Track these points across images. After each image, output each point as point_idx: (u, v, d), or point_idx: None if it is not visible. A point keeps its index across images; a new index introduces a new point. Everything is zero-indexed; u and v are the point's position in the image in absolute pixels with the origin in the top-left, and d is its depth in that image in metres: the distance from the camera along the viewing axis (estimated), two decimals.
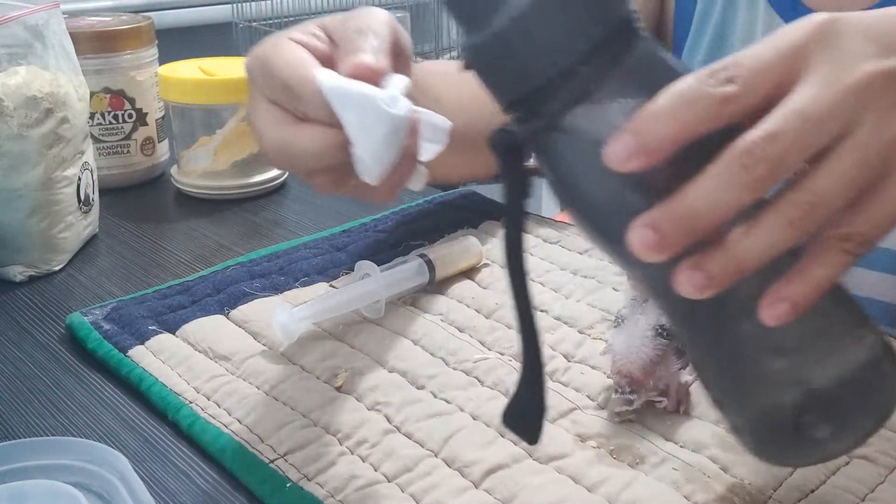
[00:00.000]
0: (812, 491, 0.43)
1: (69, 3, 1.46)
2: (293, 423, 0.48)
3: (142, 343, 0.56)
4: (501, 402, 0.50)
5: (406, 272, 0.61)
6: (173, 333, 0.58)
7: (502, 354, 0.55)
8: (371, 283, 0.59)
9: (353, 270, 0.61)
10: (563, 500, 0.43)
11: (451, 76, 0.67)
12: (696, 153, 0.31)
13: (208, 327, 0.58)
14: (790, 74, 0.32)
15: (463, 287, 0.63)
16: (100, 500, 0.42)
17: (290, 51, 0.45)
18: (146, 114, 0.86)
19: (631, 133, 0.31)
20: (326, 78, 0.42)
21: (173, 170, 0.86)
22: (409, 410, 0.49)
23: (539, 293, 0.62)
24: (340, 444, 0.47)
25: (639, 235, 0.31)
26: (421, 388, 0.52)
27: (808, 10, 0.67)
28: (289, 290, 0.63)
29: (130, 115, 0.85)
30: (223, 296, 0.62)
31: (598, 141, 0.31)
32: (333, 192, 0.47)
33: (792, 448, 0.37)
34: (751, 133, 0.30)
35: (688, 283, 0.31)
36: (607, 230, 0.33)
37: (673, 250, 0.31)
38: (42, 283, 0.68)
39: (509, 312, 0.59)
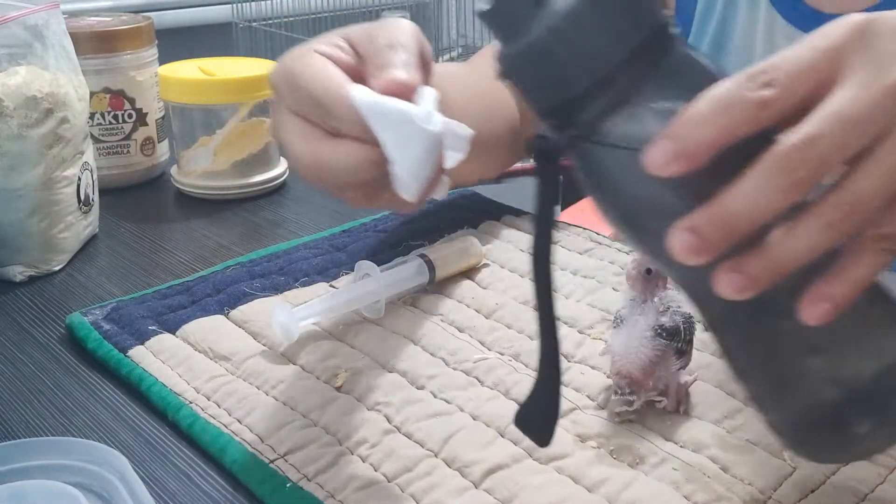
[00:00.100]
0: (812, 491, 0.43)
1: (69, 3, 1.46)
2: (293, 423, 0.48)
3: (142, 343, 0.56)
4: (501, 402, 0.50)
5: (406, 272, 0.61)
6: (173, 333, 0.58)
7: (502, 354, 0.55)
8: (371, 283, 0.59)
9: (353, 270, 0.61)
10: (563, 500, 0.43)
11: (455, 79, 0.67)
12: (733, 156, 0.31)
13: (208, 327, 0.58)
14: (828, 76, 0.32)
15: (463, 287, 0.63)
16: (100, 500, 0.42)
17: (319, 65, 0.44)
18: (146, 114, 0.86)
19: (671, 138, 0.31)
20: (361, 95, 0.41)
21: (173, 170, 0.86)
22: (409, 410, 0.49)
23: None
24: (340, 444, 0.47)
25: (679, 239, 0.31)
26: (421, 388, 0.52)
27: (809, 10, 0.67)
28: (289, 290, 0.63)
29: (130, 115, 0.85)
30: (223, 296, 0.62)
31: (636, 147, 0.31)
32: (365, 205, 0.46)
33: (832, 445, 0.37)
34: (790, 136, 0.30)
35: (727, 285, 0.31)
36: (646, 234, 0.33)
37: (713, 253, 0.31)
38: (42, 283, 0.68)
39: (509, 312, 0.59)
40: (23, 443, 0.44)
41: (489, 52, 0.78)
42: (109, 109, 0.84)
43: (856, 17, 0.33)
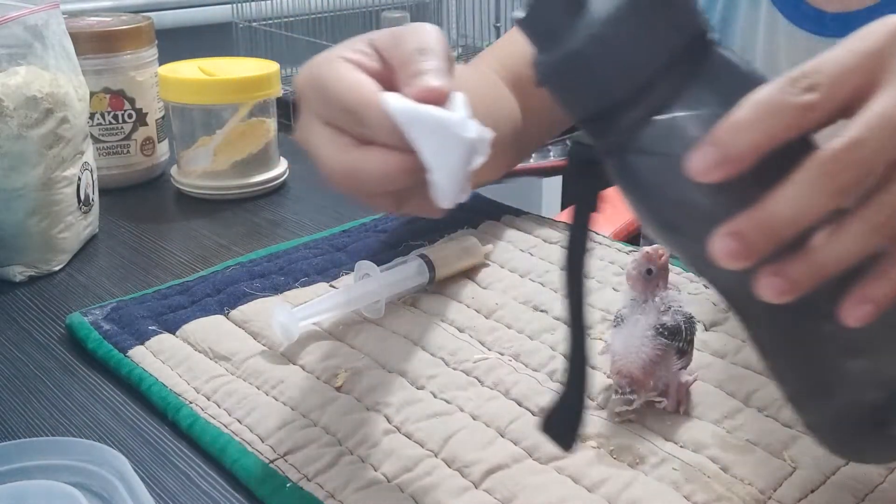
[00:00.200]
0: (812, 491, 0.43)
1: (69, 3, 1.46)
2: (293, 423, 0.48)
3: (142, 343, 0.56)
4: (501, 402, 0.50)
5: (406, 272, 0.61)
6: (173, 333, 0.58)
7: (502, 354, 0.55)
8: (371, 283, 0.59)
9: (353, 270, 0.61)
10: (563, 500, 0.43)
11: (459, 81, 0.66)
12: (774, 160, 0.31)
13: (208, 327, 0.58)
14: (869, 79, 0.32)
15: (463, 287, 0.63)
16: (100, 500, 0.42)
17: (349, 73, 0.43)
18: (146, 114, 0.86)
19: (714, 144, 0.31)
20: (395, 103, 0.41)
21: (173, 170, 0.86)
22: (409, 410, 0.49)
23: (539, 293, 0.62)
24: (340, 444, 0.47)
25: (722, 244, 0.31)
26: (421, 388, 0.52)
27: (811, 9, 0.67)
28: (289, 290, 0.63)
29: (130, 116, 0.85)
30: (223, 296, 0.62)
31: (678, 153, 0.31)
32: (394, 211, 0.46)
33: (872, 445, 0.37)
34: (836, 140, 0.30)
35: (770, 289, 0.31)
36: (686, 238, 0.33)
37: (756, 258, 0.31)
38: (42, 283, 0.68)
39: (509, 312, 0.60)
40: (23, 443, 0.44)
41: (489, 54, 0.78)
42: (109, 109, 0.84)
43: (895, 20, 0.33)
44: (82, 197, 0.72)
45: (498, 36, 1.91)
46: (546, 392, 0.51)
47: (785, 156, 0.31)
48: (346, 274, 0.65)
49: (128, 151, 0.86)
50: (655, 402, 0.49)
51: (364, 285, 0.59)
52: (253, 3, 1.83)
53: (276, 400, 0.51)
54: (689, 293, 0.61)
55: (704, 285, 0.62)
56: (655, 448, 0.46)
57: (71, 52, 0.71)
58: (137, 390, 0.53)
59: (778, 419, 0.48)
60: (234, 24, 1.82)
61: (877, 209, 0.31)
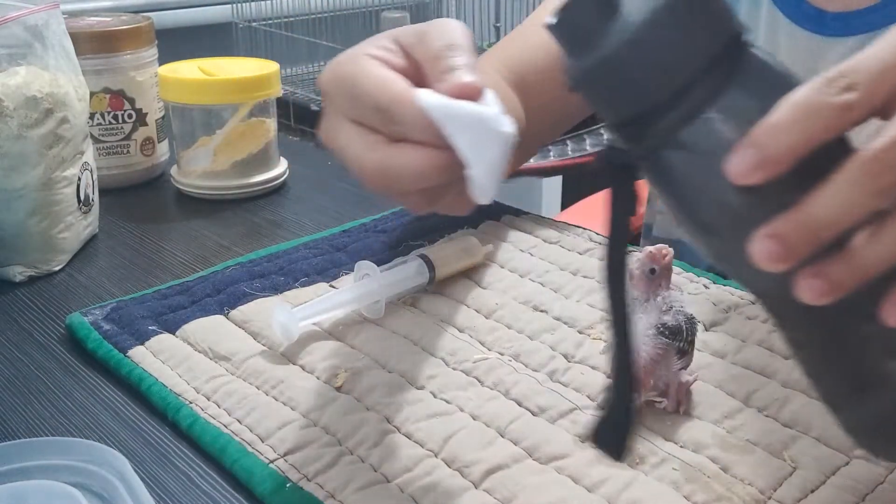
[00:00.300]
0: (812, 491, 0.43)
1: (69, 3, 1.46)
2: (293, 423, 0.48)
3: (142, 343, 0.56)
4: (501, 402, 0.50)
5: (406, 272, 0.61)
6: (173, 334, 0.58)
7: (502, 354, 0.55)
8: (371, 283, 0.59)
9: (353, 270, 0.61)
10: (563, 500, 0.43)
11: None
12: (812, 160, 0.31)
13: (208, 327, 0.58)
14: None
15: (463, 287, 0.63)
16: (100, 500, 0.42)
17: (377, 70, 0.43)
18: (146, 114, 0.86)
19: (753, 146, 0.30)
20: (430, 99, 0.41)
21: (173, 170, 0.86)
22: (409, 410, 0.49)
23: (539, 293, 0.62)
24: (340, 444, 0.47)
25: (762, 247, 0.31)
26: (421, 388, 0.52)
27: (812, 8, 0.67)
28: (289, 290, 0.63)
29: (130, 116, 0.85)
30: (223, 296, 0.62)
31: (715, 156, 0.31)
32: (427, 209, 0.46)
33: None
34: (877, 140, 0.30)
35: (810, 291, 0.31)
36: (724, 241, 0.33)
37: (797, 260, 0.31)
38: (42, 283, 0.68)
39: (509, 312, 0.60)
40: (23, 443, 0.44)
41: (491, 55, 0.78)
42: (109, 109, 0.84)
43: None
44: (82, 197, 0.72)
45: (498, 36, 1.91)
46: (546, 392, 0.51)
47: (822, 156, 0.31)
48: (346, 274, 0.65)
49: (128, 151, 0.86)
50: (655, 402, 0.49)
51: (364, 285, 0.59)
52: (253, 3, 1.83)
53: (276, 400, 0.51)
54: (690, 293, 0.61)
55: (705, 286, 0.62)
56: (655, 448, 0.46)
57: (71, 52, 0.71)
58: (137, 390, 0.53)
59: (778, 419, 0.48)
60: (234, 24, 1.82)
61: None
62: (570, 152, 1.59)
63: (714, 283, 0.63)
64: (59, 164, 0.68)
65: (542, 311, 0.60)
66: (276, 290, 0.63)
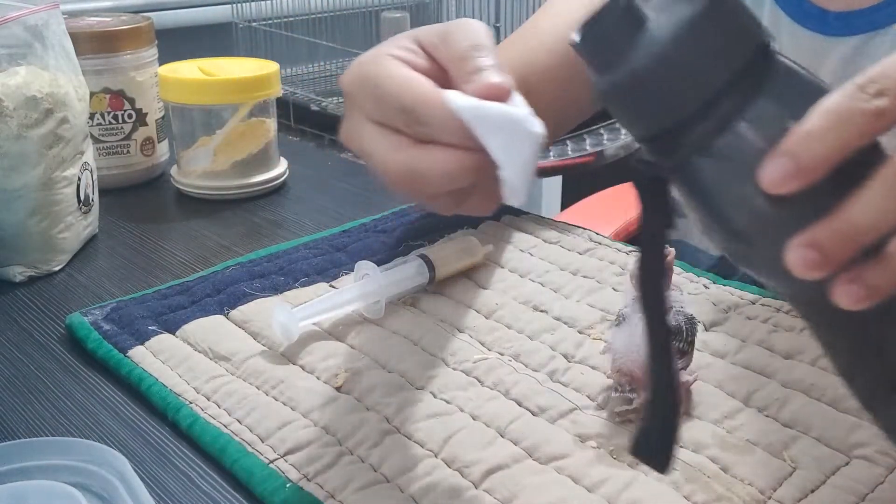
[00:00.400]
0: (812, 491, 0.43)
1: (69, 3, 1.46)
2: (293, 423, 0.48)
3: (141, 343, 0.56)
4: (501, 402, 0.50)
5: (406, 272, 0.61)
6: (173, 334, 0.58)
7: (502, 354, 0.55)
8: (371, 283, 0.59)
9: (353, 270, 0.61)
10: (563, 500, 0.43)
11: None
12: (845, 166, 0.30)
13: (208, 327, 0.58)
14: None
15: (463, 287, 0.63)
16: (100, 500, 0.42)
17: (401, 71, 0.42)
18: (146, 114, 0.86)
19: (786, 155, 0.30)
20: (459, 100, 0.40)
21: (173, 170, 0.86)
22: (409, 411, 0.49)
23: (539, 293, 0.62)
24: (340, 444, 0.47)
25: (799, 255, 0.31)
26: (421, 388, 0.52)
27: (815, 8, 0.67)
28: (289, 290, 0.63)
29: (130, 116, 0.85)
30: (223, 296, 0.62)
31: (747, 165, 0.31)
32: (451, 211, 0.45)
33: None
34: None
35: (847, 296, 0.31)
36: (758, 249, 0.33)
37: (834, 267, 0.31)
38: (42, 283, 0.68)
39: (509, 312, 0.60)
40: (23, 443, 0.44)
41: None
42: (109, 109, 0.84)
43: None
44: (82, 197, 0.72)
45: (498, 36, 1.91)
46: (546, 392, 0.51)
47: (855, 162, 0.30)
48: (346, 274, 0.65)
49: (128, 151, 0.86)
50: None
51: (364, 285, 0.59)
52: (253, 3, 1.83)
53: (276, 400, 0.51)
54: (690, 293, 0.61)
55: (705, 286, 0.62)
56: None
57: (71, 52, 0.71)
58: (137, 390, 0.53)
59: (778, 419, 0.48)
60: (234, 24, 1.82)
61: None
62: (570, 152, 1.59)
63: (714, 283, 0.63)
64: (59, 164, 0.68)
65: (542, 311, 0.60)
66: (276, 290, 0.63)
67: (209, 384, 0.52)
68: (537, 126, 0.40)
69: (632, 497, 0.43)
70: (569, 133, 1.54)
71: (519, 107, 0.41)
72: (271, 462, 0.46)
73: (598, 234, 0.71)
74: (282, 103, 0.88)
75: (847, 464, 0.45)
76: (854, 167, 0.30)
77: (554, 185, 1.92)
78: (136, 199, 0.85)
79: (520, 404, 0.50)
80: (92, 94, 0.76)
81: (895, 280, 0.31)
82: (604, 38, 0.33)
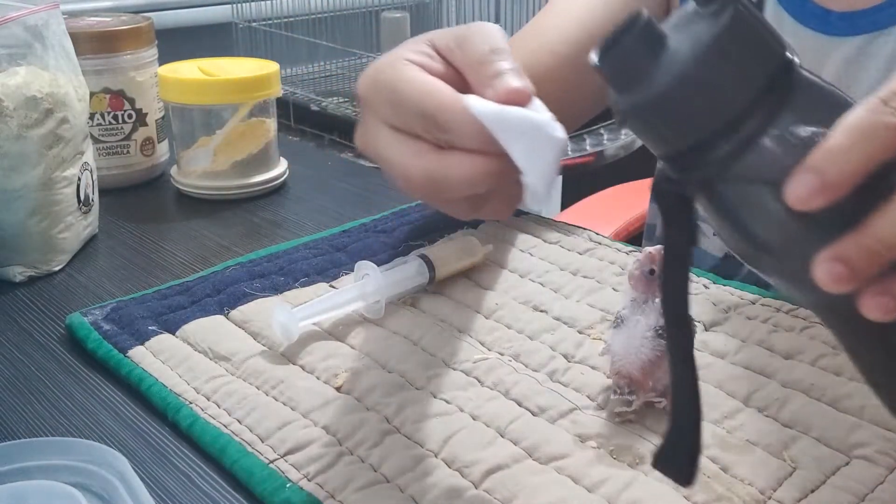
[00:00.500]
0: (812, 491, 0.43)
1: (69, 3, 1.46)
2: (293, 423, 0.48)
3: (141, 343, 0.56)
4: (501, 402, 0.50)
5: (406, 272, 0.61)
6: (173, 334, 0.58)
7: (502, 354, 0.55)
8: (371, 283, 0.59)
9: (353, 270, 0.61)
10: (563, 500, 0.43)
11: None
12: (872, 180, 0.30)
13: (208, 327, 0.58)
14: None
15: (463, 287, 0.63)
16: (100, 500, 0.42)
17: (421, 77, 0.42)
18: (146, 114, 0.86)
19: (811, 172, 0.30)
20: (480, 106, 0.40)
21: (173, 170, 0.86)
22: (409, 410, 0.49)
23: (539, 293, 0.62)
24: (340, 444, 0.47)
25: (826, 269, 0.30)
26: (421, 388, 0.52)
27: (818, 8, 0.67)
28: (289, 290, 0.63)
29: (130, 116, 0.85)
30: (223, 296, 0.62)
31: (772, 181, 0.31)
32: (471, 216, 0.45)
33: None
34: None
35: (876, 309, 0.31)
36: (784, 263, 0.33)
37: (861, 281, 0.31)
38: (42, 283, 0.68)
39: (509, 312, 0.60)
40: (23, 443, 0.44)
41: None
42: (109, 110, 0.84)
43: None
44: (82, 197, 0.72)
45: None
46: (546, 392, 0.51)
47: (881, 175, 0.30)
48: (346, 274, 0.65)
49: (128, 152, 0.86)
50: (655, 402, 0.49)
51: (364, 285, 0.59)
52: (253, 3, 1.83)
53: (276, 400, 0.51)
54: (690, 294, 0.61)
55: (705, 286, 0.62)
56: (655, 448, 0.46)
57: (71, 53, 0.71)
58: (137, 390, 0.53)
59: (778, 419, 0.48)
60: (234, 24, 1.82)
61: None
62: (570, 152, 1.59)
63: (714, 283, 0.63)
64: (59, 165, 0.68)
65: (542, 311, 0.60)
66: (276, 290, 0.63)
67: (209, 384, 0.52)
68: (559, 131, 0.40)
69: (632, 497, 0.43)
70: (569, 134, 1.54)
71: (540, 111, 0.40)
72: (271, 462, 0.46)
73: (598, 234, 0.71)
74: (282, 103, 0.88)
75: (847, 464, 0.45)
76: (880, 180, 0.30)
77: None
78: (136, 199, 0.85)
79: (520, 404, 0.50)
80: (92, 94, 0.76)
81: None
82: (624, 58, 0.33)
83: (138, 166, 0.87)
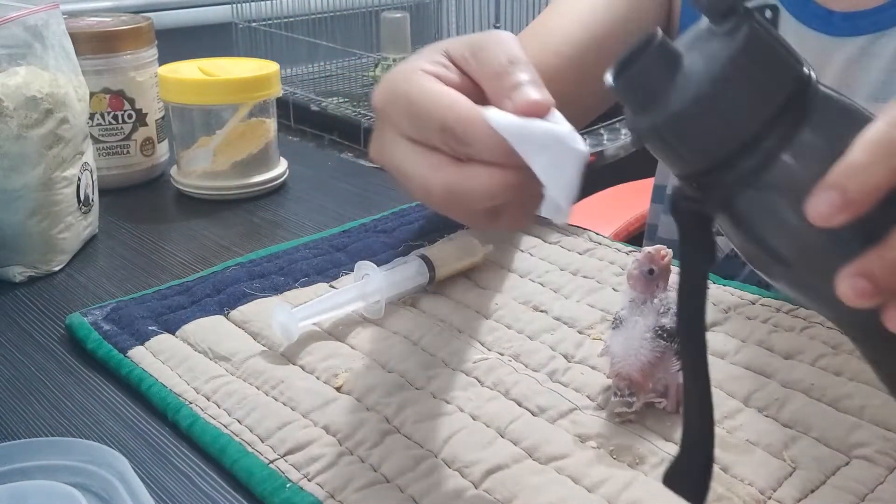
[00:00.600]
0: (812, 491, 0.43)
1: (69, 3, 1.46)
2: (293, 423, 0.48)
3: (141, 343, 0.56)
4: (501, 402, 0.50)
5: (406, 272, 0.61)
6: (173, 334, 0.58)
7: (502, 354, 0.55)
8: (371, 283, 0.59)
9: (353, 270, 0.61)
10: (563, 500, 0.43)
11: None
12: (893, 195, 0.30)
13: (208, 328, 0.58)
14: None
15: (463, 287, 0.63)
16: (100, 500, 0.42)
17: (437, 88, 0.42)
18: (146, 114, 0.86)
19: (833, 188, 0.30)
20: (500, 119, 0.39)
21: (173, 170, 0.86)
22: (409, 411, 0.49)
23: (539, 293, 0.62)
24: (340, 444, 0.47)
25: (849, 285, 0.30)
26: (421, 388, 0.52)
27: (820, 8, 0.67)
28: (289, 290, 0.63)
29: (130, 116, 0.85)
30: (223, 296, 0.62)
31: (793, 198, 0.31)
32: (488, 227, 0.45)
33: None
34: None
35: None
36: (805, 278, 0.33)
37: (886, 295, 0.30)
38: (42, 283, 0.68)
39: (509, 312, 0.60)
40: (23, 443, 0.44)
41: None
42: (109, 110, 0.84)
43: None
44: (82, 197, 0.72)
45: None
46: (546, 392, 0.51)
47: None
48: (346, 274, 0.65)
49: (128, 152, 0.86)
50: (655, 402, 0.49)
51: (364, 285, 0.59)
52: (253, 4, 1.83)
53: (276, 400, 0.51)
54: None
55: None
56: (655, 448, 0.46)
57: (71, 53, 0.71)
58: (137, 391, 0.53)
59: (778, 419, 0.48)
60: (234, 24, 1.83)
61: None
62: None
63: (714, 283, 0.63)
64: (59, 165, 0.68)
65: (542, 311, 0.60)
66: (276, 290, 0.63)
67: (209, 384, 0.52)
68: (581, 143, 0.39)
69: (632, 497, 0.43)
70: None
71: (561, 123, 0.40)
72: (271, 462, 0.46)
73: (598, 234, 0.71)
74: (282, 103, 0.88)
75: (847, 464, 0.45)
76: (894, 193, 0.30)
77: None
78: (136, 199, 0.85)
79: (520, 404, 0.50)
80: (92, 95, 0.76)
81: None
82: (640, 78, 0.33)
83: (138, 166, 0.87)
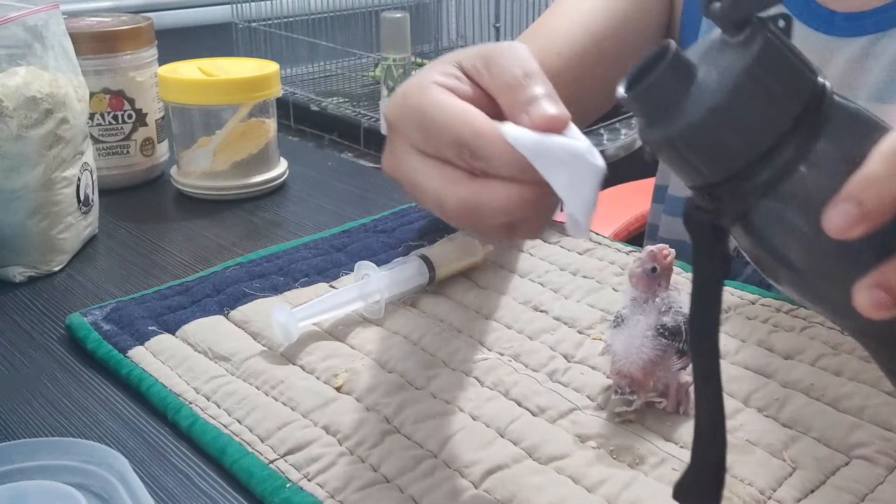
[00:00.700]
0: (812, 491, 0.43)
1: (69, 3, 1.46)
2: (293, 423, 0.48)
3: (141, 343, 0.56)
4: (501, 402, 0.50)
5: (406, 272, 0.61)
6: (173, 334, 0.58)
7: (502, 354, 0.55)
8: (371, 283, 0.59)
9: (353, 270, 0.61)
10: (563, 500, 0.43)
11: None
12: None
13: (208, 328, 0.58)
14: None
15: (463, 287, 0.63)
16: (100, 500, 0.42)
17: (451, 101, 0.41)
18: (146, 114, 0.86)
19: (850, 201, 0.30)
20: (517, 134, 0.39)
21: (173, 170, 0.86)
22: (409, 410, 0.49)
23: (539, 293, 0.62)
24: (340, 444, 0.47)
25: (867, 296, 0.30)
26: (420, 388, 0.52)
27: (822, 9, 0.67)
28: (288, 290, 0.63)
29: (130, 116, 0.85)
30: (223, 296, 0.62)
31: (809, 209, 0.31)
32: (505, 238, 0.44)
33: None
34: None
35: None
36: (824, 292, 0.33)
37: None
38: (42, 283, 0.68)
39: (509, 312, 0.60)
40: (23, 443, 0.44)
41: None
42: (109, 110, 0.84)
43: None
44: (82, 197, 0.72)
45: (497, 37, 1.91)
46: (546, 392, 0.51)
47: None
48: (346, 274, 0.65)
49: (127, 152, 0.86)
50: (655, 402, 0.49)
51: (364, 285, 0.59)
52: (253, 4, 1.83)
53: (276, 400, 0.51)
54: (690, 294, 0.61)
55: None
56: (655, 448, 0.46)
57: (71, 53, 0.71)
58: (137, 391, 0.53)
59: (778, 419, 0.48)
60: (234, 24, 1.83)
61: None
62: None
63: None
64: (59, 165, 0.68)
65: (542, 311, 0.60)
66: (276, 290, 0.63)
67: (209, 384, 0.52)
68: (599, 158, 0.39)
69: (632, 497, 0.43)
70: None
71: (578, 138, 0.39)
72: (271, 462, 0.46)
73: (598, 234, 0.71)
74: (282, 103, 0.89)
75: (847, 464, 0.45)
76: None
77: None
78: (136, 199, 0.85)
79: (520, 404, 0.50)
80: (92, 95, 0.76)
81: None
82: (653, 90, 0.33)
83: (138, 166, 0.87)
